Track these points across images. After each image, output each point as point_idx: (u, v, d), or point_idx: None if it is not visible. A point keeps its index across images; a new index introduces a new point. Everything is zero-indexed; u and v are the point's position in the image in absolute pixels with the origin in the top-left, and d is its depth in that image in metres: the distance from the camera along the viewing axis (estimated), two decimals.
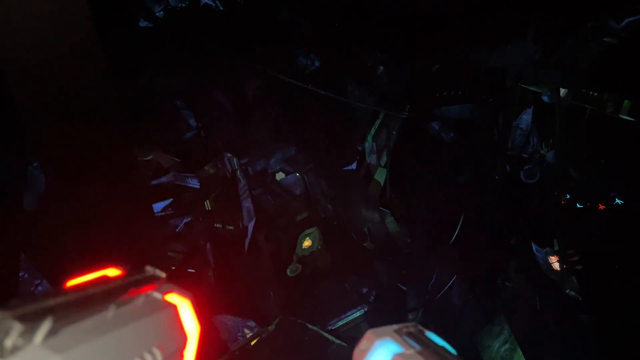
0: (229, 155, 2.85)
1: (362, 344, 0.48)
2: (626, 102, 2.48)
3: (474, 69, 3.02)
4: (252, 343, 2.34)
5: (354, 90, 3.55)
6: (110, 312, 0.39)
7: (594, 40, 2.50)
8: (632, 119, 2.55)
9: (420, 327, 0.49)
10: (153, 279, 0.48)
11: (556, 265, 3.04)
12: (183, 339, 0.47)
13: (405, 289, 3.01)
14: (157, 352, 0.41)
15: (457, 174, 3.29)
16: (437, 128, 3.43)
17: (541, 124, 2.80)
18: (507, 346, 2.45)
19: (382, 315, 2.89)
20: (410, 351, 0.43)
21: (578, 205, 3.42)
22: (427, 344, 0.46)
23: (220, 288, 2.65)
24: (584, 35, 2.55)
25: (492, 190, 3.22)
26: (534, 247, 3.06)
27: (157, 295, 0.45)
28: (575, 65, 2.55)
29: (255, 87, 3.54)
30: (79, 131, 1.75)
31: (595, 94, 2.54)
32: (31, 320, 0.32)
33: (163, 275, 0.49)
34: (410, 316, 2.90)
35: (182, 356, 0.47)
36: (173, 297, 0.47)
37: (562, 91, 2.54)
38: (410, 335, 0.47)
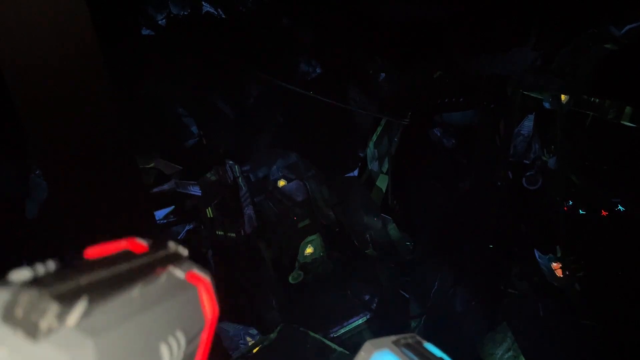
0: (230, 162, 2.85)
1: (360, 355, 0.48)
2: (628, 109, 2.48)
3: (475, 76, 3.03)
4: (254, 351, 2.33)
5: (356, 97, 3.56)
6: (137, 291, 0.37)
7: (595, 46, 2.50)
8: (633, 125, 2.55)
9: (419, 338, 0.49)
10: (176, 256, 0.46)
11: (559, 272, 3.03)
12: (202, 321, 0.45)
13: (407, 295, 3.00)
14: (181, 336, 0.40)
15: (458, 181, 3.29)
16: (438, 134, 3.43)
17: (543, 130, 2.80)
18: (510, 353, 2.43)
19: (384, 323, 2.88)
20: None
21: (580, 212, 3.41)
22: (425, 356, 0.46)
23: (222, 295, 2.64)
24: (585, 42, 2.56)
25: (494, 197, 3.22)
26: (536, 253, 3.06)
27: (179, 273, 0.44)
28: (576, 72, 2.55)
29: (257, 94, 3.55)
30: (80, 138, 1.75)
31: (597, 100, 2.54)
32: (67, 300, 0.30)
33: (186, 252, 0.47)
34: (412, 323, 2.89)
35: (200, 340, 0.45)
36: (194, 277, 0.46)
37: (564, 97, 2.54)
38: (408, 346, 0.47)
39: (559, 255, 3.03)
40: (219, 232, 2.66)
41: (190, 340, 0.42)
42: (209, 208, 2.65)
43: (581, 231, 3.21)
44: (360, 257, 3.08)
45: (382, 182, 3.22)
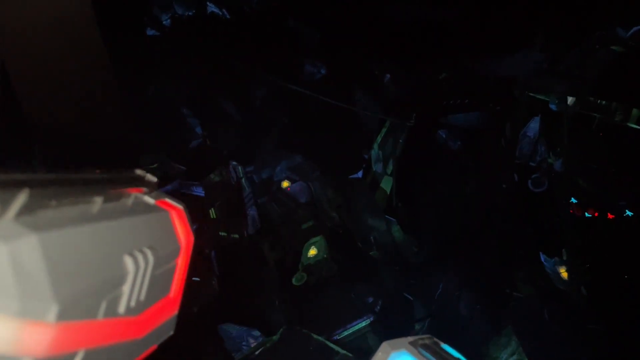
0: (234, 163, 2.85)
1: (378, 355, 0.45)
2: (635, 111, 2.46)
3: (481, 78, 3.01)
4: (256, 353, 2.32)
5: (361, 98, 3.55)
6: (96, 204, 0.35)
7: (602, 48, 2.48)
8: None
9: (436, 339, 0.49)
10: (144, 182, 0.44)
11: (565, 276, 3.00)
12: (176, 246, 0.44)
13: (411, 298, 2.99)
14: (149, 253, 0.38)
15: (464, 183, 3.27)
16: (444, 136, 3.41)
17: (549, 132, 2.78)
18: (514, 357, 2.41)
19: (388, 325, 2.86)
20: None
21: (587, 215, 3.38)
22: (442, 356, 0.45)
23: (225, 297, 2.64)
24: (592, 44, 2.54)
25: (500, 200, 3.20)
26: (542, 257, 3.03)
27: (148, 199, 0.42)
28: (583, 74, 2.53)
29: (262, 95, 3.55)
30: (84, 138, 1.75)
31: (604, 102, 2.52)
32: (7, 191, 0.28)
33: (155, 179, 0.46)
34: (416, 326, 2.87)
35: (175, 265, 0.44)
36: (165, 204, 0.44)
37: (570, 99, 2.52)
38: (425, 347, 0.46)
39: (564, 258, 3.00)
40: (222, 233, 2.65)
41: (161, 261, 0.40)
42: (212, 209, 2.65)
43: (587, 234, 3.18)
44: (364, 259, 3.07)
45: (387, 184, 3.20)
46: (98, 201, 0.36)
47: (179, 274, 0.45)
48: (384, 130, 3.31)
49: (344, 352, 2.36)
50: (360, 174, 3.31)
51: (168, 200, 0.44)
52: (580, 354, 2.63)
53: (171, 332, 0.45)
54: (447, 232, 3.13)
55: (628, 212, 2.89)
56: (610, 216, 3.15)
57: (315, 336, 2.40)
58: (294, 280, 2.96)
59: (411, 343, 0.46)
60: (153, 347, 0.42)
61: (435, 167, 3.32)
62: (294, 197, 3.01)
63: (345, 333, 2.81)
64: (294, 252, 3.00)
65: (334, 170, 3.25)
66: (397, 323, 2.90)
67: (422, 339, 0.48)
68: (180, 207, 0.45)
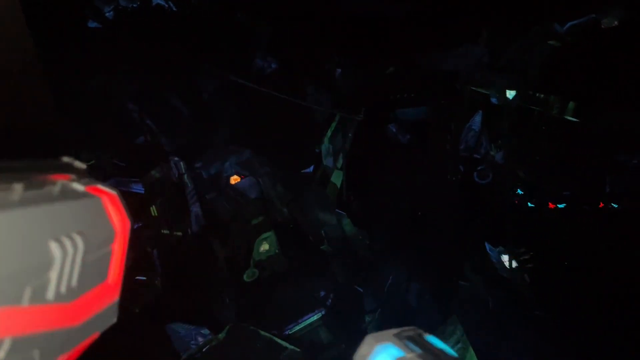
0: (175, 159, 2.79)
1: (362, 348, 0.45)
2: (571, 104, 2.56)
3: (427, 72, 3.06)
4: (203, 351, 2.29)
5: (312, 93, 3.55)
6: (16, 191, 0.34)
7: (539, 43, 2.56)
8: (576, 120, 2.63)
9: (420, 331, 0.48)
10: (72, 169, 0.43)
11: (509, 264, 3.10)
12: (111, 232, 0.43)
13: (362, 290, 3.01)
14: (78, 239, 0.38)
15: (413, 176, 3.32)
16: (394, 130, 3.45)
17: (491, 125, 2.86)
18: (459, 345, 2.47)
19: (339, 318, 2.88)
20: (411, 355, 0.43)
21: (530, 205, 3.50)
22: (427, 348, 0.44)
23: (172, 296, 2.59)
24: (531, 39, 2.61)
25: (447, 191, 3.27)
26: (487, 246, 3.12)
27: (77, 186, 0.41)
28: (522, 68, 2.61)
29: (210, 90, 3.49)
30: (13, 136, 1.67)
31: (542, 95, 2.60)
32: None
33: (84, 166, 0.44)
34: (367, 318, 2.90)
35: (111, 250, 0.43)
36: (96, 190, 0.44)
37: (511, 93, 2.59)
38: (410, 339, 0.45)
39: (509, 247, 3.10)
40: (164, 231, 2.59)
41: (93, 247, 0.40)
42: (153, 206, 2.58)
43: (530, 224, 3.29)
44: (316, 254, 3.08)
45: (337, 178, 3.22)
46: (18, 188, 0.35)
47: (117, 260, 0.44)
48: (333, 124, 3.32)
49: (292, 347, 2.36)
50: (311, 169, 3.31)
51: (100, 186, 0.43)
52: (524, 339, 2.72)
53: (114, 320, 0.44)
54: (397, 224, 3.18)
55: (560, 205, 3.01)
56: (551, 206, 3.27)
57: (262, 332, 2.39)
58: (245, 277, 2.94)
59: (396, 335, 0.46)
60: (95, 334, 0.42)
61: (386, 160, 3.36)
62: (243, 192, 2.98)
63: (297, 328, 2.81)
64: (244, 248, 2.97)
65: (284, 165, 3.23)
66: (348, 315, 2.92)
67: (405, 330, 0.48)
68: (113, 193, 0.44)
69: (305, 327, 2.84)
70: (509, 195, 3.06)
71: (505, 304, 2.86)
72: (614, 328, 2.80)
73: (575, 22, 2.51)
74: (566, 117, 2.53)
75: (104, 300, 0.42)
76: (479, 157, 3.12)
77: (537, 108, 2.54)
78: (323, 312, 2.90)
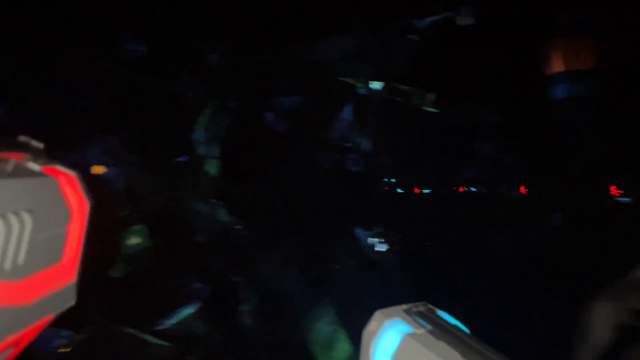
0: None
1: (371, 325, 0.43)
2: (430, 95, 2.74)
3: (299, 61, 3.10)
4: (65, 352, 2.14)
5: (185, 78, 3.43)
6: None
7: (401, 37, 2.70)
8: (436, 111, 2.83)
9: (431, 307, 0.47)
10: (27, 148, 0.42)
11: (380, 247, 3.27)
12: (66, 213, 0.43)
13: (239, 279, 3.00)
14: (26, 216, 0.37)
15: (289, 164, 3.36)
16: (271, 119, 3.46)
17: (359, 115, 2.97)
18: (331, 327, 2.57)
19: (215, 310, 2.85)
20: (421, 330, 0.42)
21: (399, 191, 3.72)
22: (438, 323, 0.43)
23: None
24: (393, 33, 2.75)
25: (322, 179, 3.35)
26: (359, 231, 3.26)
27: (33, 165, 0.41)
28: (387, 61, 2.74)
29: (75, 74, 3.23)
30: None
31: (404, 87, 2.76)
32: None
33: (41, 146, 0.43)
34: (244, 307, 2.90)
35: (66, 232, 0.43)
36: (53, 170, 0.42)
37: (376, 84, 2.71)
38: (420, 314, 0.44)
39: (379, 231, 3.27)
40: None
41: (45, 226, 0.40)
42: None
43: (399, 208, 3.50)
44: (190, 245, 3.00)
45: (212, 167, 3.16)
46: None
47: (73, 241, 0.44)
48: (208, 112, 3.24)
49: (163, 342, 2.29)
50: (184, 158, 3.21)
51: (58, 167, 0.43)
52: None
53: (72, 302, 0.44)
54: (273, 212, 3.20)
55: (425, 190, 3.25)
56: (416, 191, 3.50)
57: (129, 330, 2.29)
58: (113, 272, 2.78)
59: (405, 311, 0.44)
60: (49, 317, 0.42)
61: (262, 149, 3.36)
62: (109, 183, 2.81)
63: (171, 322, 2.73)
64: (111, 242, 2.81)
65: (155, 154, 3.10)
66: (225, 306, 2.90)
67: (416, 306, 0.46)
68: (71, 174, 0.44)
69: (180, 321, 2.77)
70: (379, 182, 3.21)
71: (375, 284, 3.02)
72: (476, 302, 3.08)
73: (434, 18, 2.68)
74: (426, 107, 2.70)
75: (58, 282, 0.42)
76: (351, 145, 3.24)
77: (400, 99, 2.69)
78: (199, 305, 2.85)
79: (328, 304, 2.67)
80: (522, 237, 2.95)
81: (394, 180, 3.35)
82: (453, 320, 0.45)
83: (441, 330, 0.42)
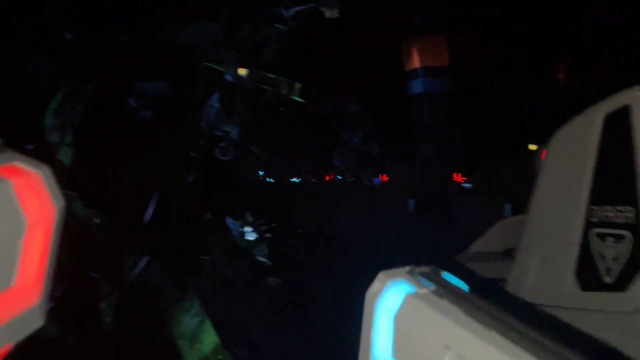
0: None
1: (375, 285, 0.42)
2: (297, 85, 2.79)
3: (164, 45, 2.97)
4: None
5: (34, 58, 3.11)
6: None
7: (268, 26, 2.71)
8: (303, 101, 2.89)
9: (436, 268, 0.44)
10: None
11: (250, 236, 3.27)
12: (18, 224, 0.35)
13: (97, 276, 2.81)
14: None
15: (154, 152, 3.21)
16: (134, 105, 3.27)
17: (227, 102, 2.93)
18: (197, 319, 2.51)
19: (68, 310, 2.63)
20: (424, 290, 0.40)
21: (269, 180, 3.75)
22: (441, 284, 0.41)
23: None
24: (261, 21, 2.75)
25: (191, 168, 3.25)
26: (229, 220, 3.22)
27: None
28: (254, 48, 2.73)
29: None
30: None
31: (273, 76, 2.77)
32: None
33: None
34: (102, 305, 2.72)
35: (20, 247, 0.35)
36: (10, 170, 0.35)
37: (244, 72, 2.69)
38: (423, 274, 0.42)
39: (249, 220, 3.26)
40: None
41: None
42: None
43: (269, 197, 3.53)
44: None
45: (65, 155, 2.90)
46: None
47: (32, 257, 0.36)
48: (60, 95, 2.97)
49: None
50: (31, 146, 2.91)
51: (17, 164, 0.35)
52: (259, 305, 2.91)
53: (39, 324, 0.39)
54: (135, 204, 3.04)
55: (295, 179, 3.32)
56: (291, 180, 3.56)
57: None
58: None
59: (409, 272, 0.44)
60: (7, 346, 0.36)
61: (123, 136, 3.16)
62: None
63: None
64: None
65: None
66: (80, 305, 2.69)
67: (420, 267, 0.44)
68: (36, 172, 0.36)
69: None
70: (249, 170, 3.20)
71: (243, 273, 3.01)
72: (340, 287, 3.21)
73: (300, 8, 2.72)
74: (294, 97, 2.74)
75: (12, 308, 0.36)
76: (220, 134, 3.18)
77: (268, 88, 2.70)
78: (50, 304, 2.61)
79: (193, 295, 2.60)
80: (382, 221, 3.13)
81: (264, 169, 3.36)
82: (457, 281, 0.45)
83: (444, 290, 0.41)
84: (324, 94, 2.87)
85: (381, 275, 0.44)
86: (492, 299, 0.36)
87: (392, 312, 0.41)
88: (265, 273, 3.12)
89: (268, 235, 3.36)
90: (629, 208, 0.50)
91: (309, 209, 3.42)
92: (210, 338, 2.43)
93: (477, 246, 1.44)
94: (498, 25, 5.77)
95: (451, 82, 6.32)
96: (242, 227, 3.23)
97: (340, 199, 3.59)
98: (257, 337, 2.65)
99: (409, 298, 0.41)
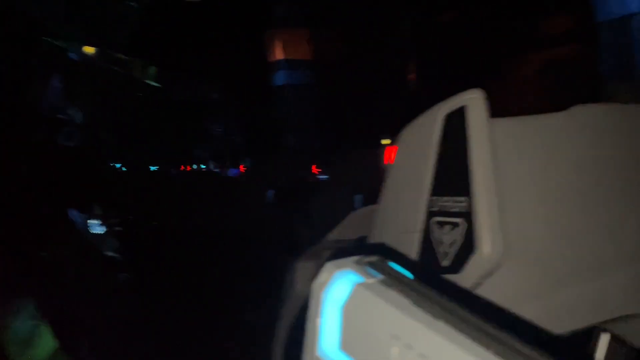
0: None
1: (321, 276, 0.42)
2: (152, 68, 2.63)
3: None
4: None
5: None
6: None
7: (120, 2, 2.51)
8: (158, 85, 2.73)
9: (382, 257, 0.43)
10: None
11: (98, 230, 3.02)
12: None
13: None
14: None
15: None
16: None
17: (72, 83, 2.67)
18: (30, 322, 2.25)
19: None
20: (372, 280, 0.41)
21: (122, 169, 3.50)
22: (389, 273, 0.41)
23: None
24: None
25: (25, 156, 2.90)
26: (74, 214, 2.95)
27: None
28: (103, 25, 2.50)
29: None
30: None
31: (125, 57, 2.57)
32: None
33: None
34: None
35: None
36: None
37: (90, 50, 2.46)
38: (371, 264, 0.42)
39: (98, 212, 3.02)
40: None
41: None
42: None
43: (124, 188, 3.29)
44: None
45: None
46: None
47: None
48: None
49: None
50: None
51: None
52: (109, 301, 2.71)
53: None
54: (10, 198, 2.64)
55: (152, 167, 3.14)
56: (140, 171, 3.36)
57: None
58: None
59: (356, 262, 0.42)
60: None
61: None
62: None
63: None
64: None
65: None
66: None
67: (367, 257, 0.42)
68: None
69: None
70: (98, 158, 2.96)
71: (91, 269, 2.78)
72: (196, 281, 3.12)
73: None
74: (148, 81, 2.58)
75: None
76: (63, 117, 2.89)
77: (118, 69, 2.50)
78: None
79: (29, 300, 2.33)
80: (240, 211, 3.12)
81: (116, 157, 3.13)
82: (402, 270, 0.44)
83: (392, 280, 0.41)
84: (183, 80, 2.75)
85: (328, 265, 0.43)
86: (436, 287, 0.37)
87: (340, 302, 0.40)
88: (114, 269, 2.92)
89: (119, 228, 3.15)
90: (464, 198, 0.54)
91: (168, 199, 3.27)
92: (47, 343, 2.19)
93: (333, 235, 1.50)
94: (358, 23, 6.05)
95: (313, 76, 6.50)
96: (90, 220, 2.97)
97: (200, 189, 3.49)
98: (103, 338, 2.47)
99: (357, 288, 0.40)
